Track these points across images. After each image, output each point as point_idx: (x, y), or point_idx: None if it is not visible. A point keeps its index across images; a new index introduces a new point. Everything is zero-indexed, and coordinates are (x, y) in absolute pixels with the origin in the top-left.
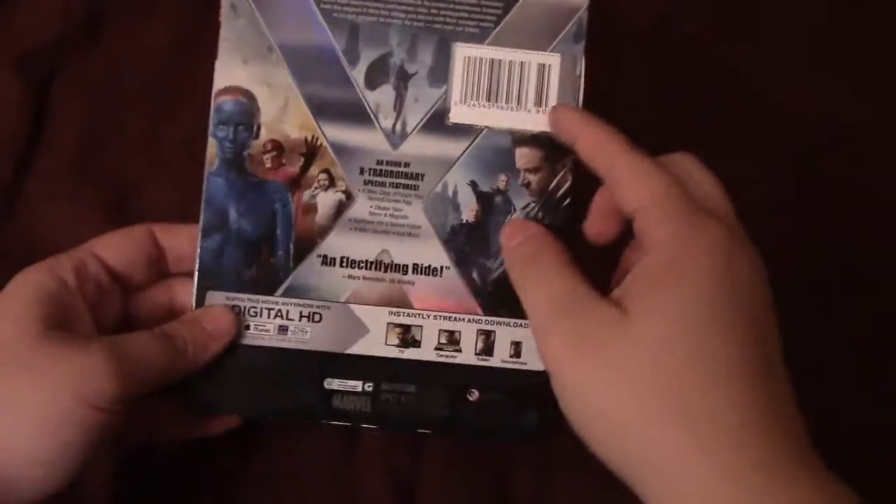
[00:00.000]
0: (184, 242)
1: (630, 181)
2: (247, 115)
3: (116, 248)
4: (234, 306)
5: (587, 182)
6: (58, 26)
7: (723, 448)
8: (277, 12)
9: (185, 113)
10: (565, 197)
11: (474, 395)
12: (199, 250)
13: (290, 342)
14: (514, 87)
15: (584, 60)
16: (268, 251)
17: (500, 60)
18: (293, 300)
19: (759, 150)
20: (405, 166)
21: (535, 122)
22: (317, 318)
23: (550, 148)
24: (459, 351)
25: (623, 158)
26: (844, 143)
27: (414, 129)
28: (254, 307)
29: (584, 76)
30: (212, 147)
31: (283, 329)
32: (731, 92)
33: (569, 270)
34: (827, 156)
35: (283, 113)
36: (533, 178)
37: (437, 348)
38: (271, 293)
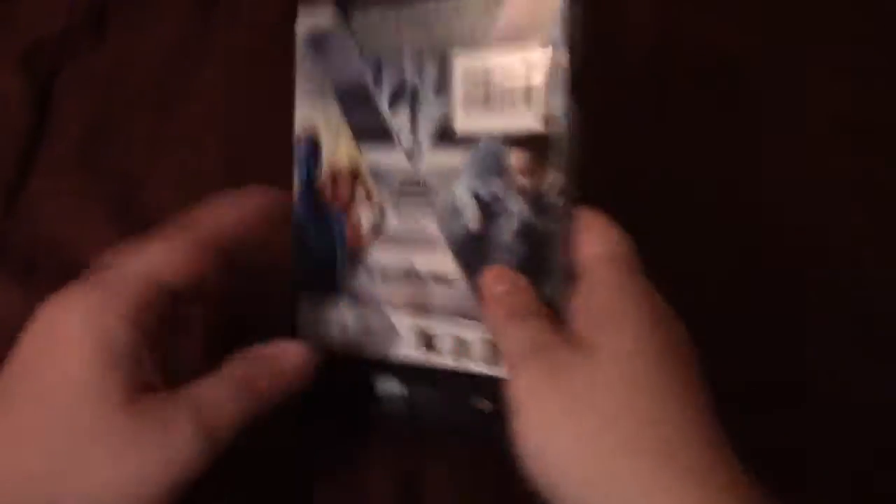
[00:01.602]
0: (231, 221)
1: (584, 233)
2: (315, 152)
3: (179, 269)
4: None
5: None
6: (62, 22)
7: (688, 470)
8: (331, 54)
9: (188, 108)
10: (559, 197)
11: (486, 405)
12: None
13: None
14: (505, 89)
15: (569, 52)
16: (331, 269)
17: (491, 65)
18: (349, 308)
19: None
20: (423, 184)
21: (526, 122)
22: (364, 323)
23: (542, 148)
24: (470, 359)
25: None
26: None
27: (426, 145)
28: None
29: (573, 69)
30: (294, 183)
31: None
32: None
33: (539, 316)
34: None
35: (336, 145)
36: (526, 180)
37: (452, 354)
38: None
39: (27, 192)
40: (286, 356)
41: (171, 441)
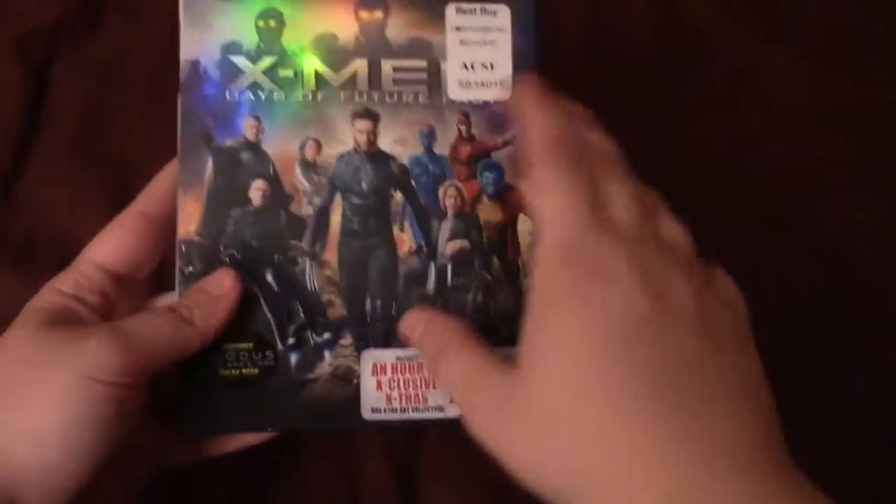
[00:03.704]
0: (168, 186)
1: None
2: None
3: (110, 249)
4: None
5: None
6: (56, 10)
7: (655, 457)
8: None
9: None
10: None
11: None
12: None
13: None
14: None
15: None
16: None
17: None
18: None
19: None
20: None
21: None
22: None
23: None
24: None
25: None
26: None
27: None
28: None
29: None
30: None
31: None
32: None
33: (472, 344)
34: None
35: None
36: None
37: None
38: None
39: (23, 180)
40: (211, 281)
41: (81, 343)
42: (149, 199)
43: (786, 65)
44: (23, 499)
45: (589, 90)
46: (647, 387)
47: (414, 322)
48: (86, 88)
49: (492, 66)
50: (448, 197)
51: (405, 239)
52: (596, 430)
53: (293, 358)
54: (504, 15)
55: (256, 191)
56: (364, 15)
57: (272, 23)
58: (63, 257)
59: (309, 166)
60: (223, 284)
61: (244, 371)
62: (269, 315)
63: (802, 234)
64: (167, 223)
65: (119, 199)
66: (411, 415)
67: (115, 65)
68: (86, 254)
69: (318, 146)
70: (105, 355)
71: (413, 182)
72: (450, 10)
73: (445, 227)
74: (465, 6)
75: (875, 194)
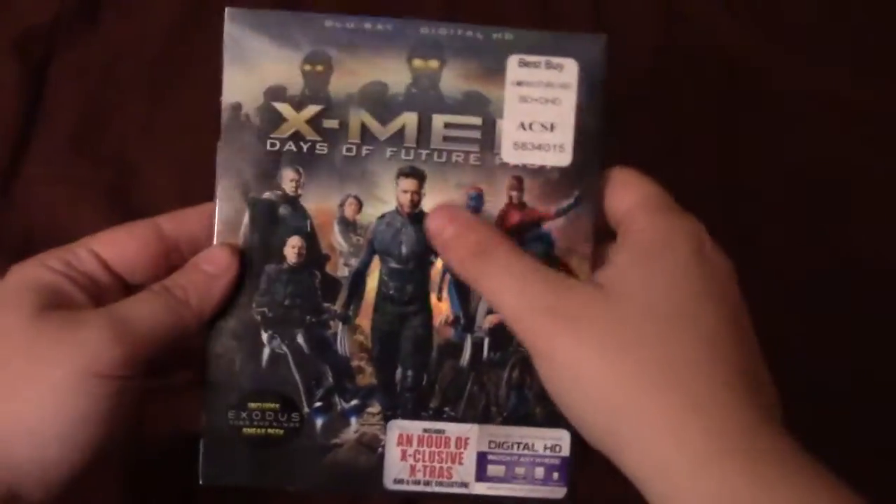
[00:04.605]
0: (195, 227)
1: (618, 189)
2: None
3: (115, 246)
4: None
5: None
6: (55, 9)
7: (708, 405)
8: None
9: (182, 95)
10: None
11: None
12: None
13: None
14: None
15: None
16: None
17: None
18: None
19: None
20: None
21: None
22: None
23: None
24: None
25: (618, 173)
26: None
27: None
28: None
29: None
30: None
31: None
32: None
33: (525, 253)
34: None
35: None
36: None
37: None
38: None
39: (21, 178)
40: (207, 257)
41: (78, 334)
42: (170, 219)
43: (786, 64)
44: (24, 492)
45: None
46: (731, 335)
47: (446, 219)
48: (84, 87)
49: (552, 127)
50: None
51: (442, 308)
52: (668, 356)
53: (319, 421)
54: (571, 70)
55: (292, 248)
56: (418, 64)
57: (320, 67)
58: None
59: (348, 225)
60: (219, 261)
61: (269, 431)
62: (297, 377)
63: (802, 234)
64: (176, 247)
65: (117, 197)
66: (434, 488)
67: (113, 64)
68: (84, 241)
69: (360, 205)
70: (104, 348)
71: None
72: (512, 62)
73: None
74: (530, 58)
75: (875, 193)
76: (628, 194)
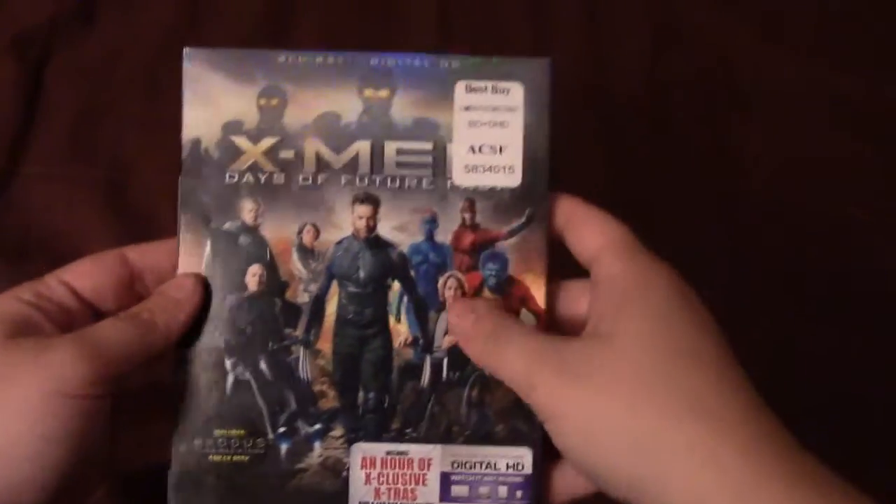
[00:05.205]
0: (162, 259)
1: (581, 230)
2: None
3: (84, 275)
4: None
5: None
6: (51, 9)
7: (737, 430)
8: None
9: (178, 95)
10: None
11: None
12: None
13: None
14: None
15: None
16: None
17: None
18: None
19: None
20: None
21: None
22: None
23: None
24: None
25: (581, 212)
26: None
27: None
28: None
29: None
30: None
31: None
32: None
33: (532, 330)
34: None
35: None
36: None
37: None
38: None
39: (18, 178)
40: (174, 285)
41: (45, 356)
42: (135, 249)
43: (786, 64)
44: None
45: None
46: (728, 359)
47: (463, 311)
48: (81, 87)
49: (501, 150)
50: (448, 288)
51: (401, 330)
52: (683, 387)
53: (283, 447)
54: (517, 94)
55: (252, 277)
56: (369, 93)
57: (274, 101)
58: (57, 254)
59: (307, 252)
60: (185, 287)
61: (235, 458)
62: (260, 403)
63: (802, 234)
64: (140, 277)
65: (113, 196)
66: None
67: (110, 63)
68: (55, 273)
69: (317, 232)
70: (71, 368)
71: (412, 271)
72: (459, 88)
73: (444, 320)
74: (476, 84)
75: (874, 193)
76: (594, 236)
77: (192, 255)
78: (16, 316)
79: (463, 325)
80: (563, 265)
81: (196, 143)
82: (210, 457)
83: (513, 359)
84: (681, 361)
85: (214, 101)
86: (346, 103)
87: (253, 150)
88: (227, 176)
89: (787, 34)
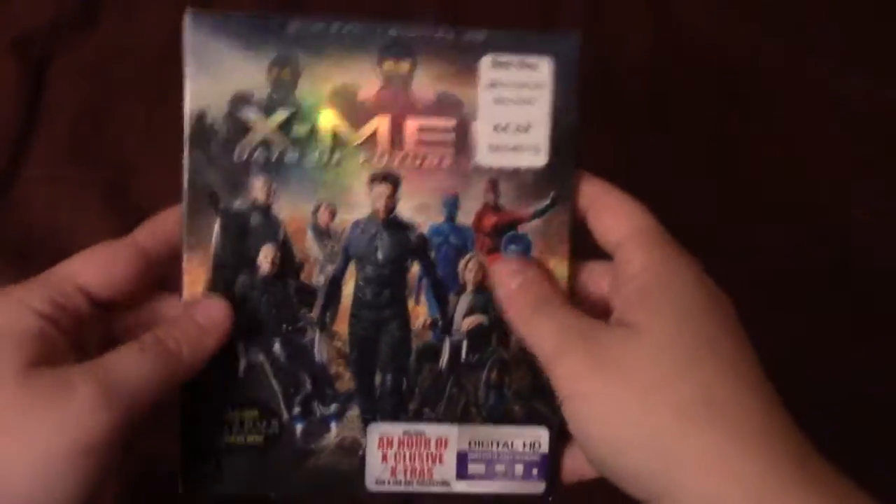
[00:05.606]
0: (172, 231)
1: (606, 217)
2: None
3: (100, 270)
4: None
5: None
6: (53, 10)
7: (753, 435)
8: None
9: (180, 96)
10: None
11: None
12: None
13: None
14: None
15: None
16: None
17: None
18: None
19: None
20: None
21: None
22: None
23: None
24: None
25: (605, 196)
26: None
27: None
28: None
29: None
30: None
31: None
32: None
33: (572, 308)
34: None
35: None
36: None
37: None
38: None
39: (20, 179)
40: (200, 313)
41: (67, 403)
42: (147, 235)
43: (785, 63)
44: None
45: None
46: (748, 360)
47: (513, 271)
48: (83, 88)
49: (527, 128)
50: (468, 271)
51: (420, 312)
52: (706, 387)
53: (299, 428)
54: (545, 69)
55: (265, 258)
56: (388, 66)
57: (286, 72)
58: (59, 255)
59: (322, 233)
60: (214, 314)
61: (249, 439)
62: (275, 385)
63: (802, 233)
64: (160, 261)
65: (116, 197)
66: (415, 488)
67: (112, 64)
68: (67, 270)
69: (333, 212)
70: (93, 418)
71: (432, 253)
72: (485, 63)
73: (464, 302)
74: (503, 58)
75: (874, 193)
76: (619, 224)
77: (200, 235)
78: (35, 336)
79: (508, 285)
80: (583, 242)
81: (201, 116)
82: (225, 438)
83: (546, 332)
84: (698, 362)
85: (220, 72)
86: (364, 76)
87: (264, 125)
88: (237, 152)
89: (790, 34)
